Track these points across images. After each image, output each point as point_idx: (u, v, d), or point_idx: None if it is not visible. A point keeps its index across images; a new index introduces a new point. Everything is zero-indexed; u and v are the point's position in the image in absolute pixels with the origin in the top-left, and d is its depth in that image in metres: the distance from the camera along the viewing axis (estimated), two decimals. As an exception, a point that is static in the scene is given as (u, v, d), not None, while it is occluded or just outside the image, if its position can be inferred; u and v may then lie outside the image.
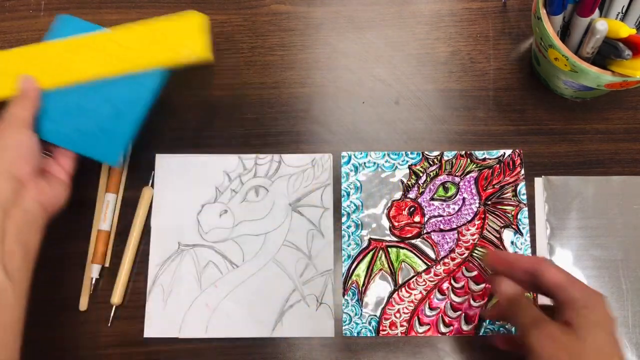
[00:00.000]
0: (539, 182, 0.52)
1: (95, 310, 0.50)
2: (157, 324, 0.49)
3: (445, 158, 0.52)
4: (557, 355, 0.34)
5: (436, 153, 0.53)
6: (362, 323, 0.49)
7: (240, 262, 0.50)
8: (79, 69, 0.47)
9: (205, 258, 0.50)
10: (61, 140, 0.47)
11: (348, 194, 0.52)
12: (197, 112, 0.54)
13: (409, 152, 0.53)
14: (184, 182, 0.52)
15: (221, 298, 0.49)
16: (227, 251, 0.50)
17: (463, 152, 0.53)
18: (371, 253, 0.50)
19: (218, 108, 0.54)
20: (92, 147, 0.47)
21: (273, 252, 0.50)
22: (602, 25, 0.42)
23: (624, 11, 0.46)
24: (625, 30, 0.41)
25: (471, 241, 0.50)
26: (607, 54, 0.44)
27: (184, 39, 0.46)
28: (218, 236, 0.51)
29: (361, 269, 0.50)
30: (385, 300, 0.49)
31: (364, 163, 0.52)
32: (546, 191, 0.51)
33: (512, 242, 0.50)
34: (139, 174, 0.53)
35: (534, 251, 0.50)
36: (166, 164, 0.53)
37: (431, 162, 0.52)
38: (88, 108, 0.47)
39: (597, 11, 0.46)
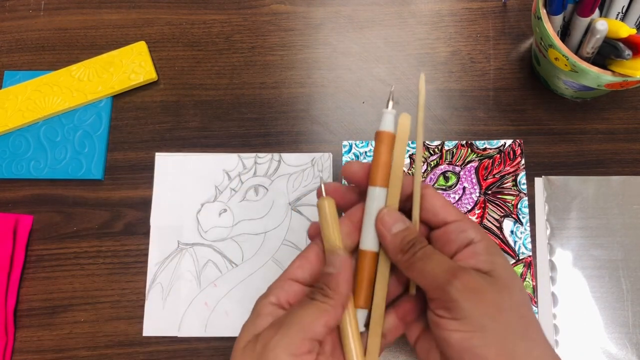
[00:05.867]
0: (539, 182, 0.52)
1: (94, 309, 0.50)
2: (156, 322, 0.49)
3: (446, 148, 0.52)
4: (488, 312, 0.28)
5: (437, 142, 0.53)
6: None
7: (239, 261, 0.50)
8: (47, 105, 0.54)
9: (205, 257, 0.50)
10: (46, 173, 0.52)
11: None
12: (197, 112, 0.54)
13: (409, 142, 0.53)
14: (183, 181, 0.52)
15: (220, 297, 0.49)
16: (226, 250, 0.50)
17: (464, 142, 0.53)
18: None
19: (218, 108, 0.54)
20: (75, 170, 0.52)
21: (272, 251, 0.50)
22: (602, 25, 0.42)
23: (624, 11, 0.46)
24: (625, 30, 0.41)
25: (471, 231, 0.50)
26: (607, 54, 0.44)
27: (133, 65, 0.55)
28: (217, 235, 0.51)
29: None
30: None
31: (365, 152, 0.52)
32: (546, 191, 0.51)
33: (512, 232, 0.50)
34: (139, 173, 0.53)
35: (534, 251, 0.50)
36: (166, 163, 0.53)
37: (432, 152, 0.52)
38: (61, 137, 0.53)
39: (597, 11, 0.46)
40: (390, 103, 0.33)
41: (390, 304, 0.34)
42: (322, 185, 0.34)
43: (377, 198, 0.32)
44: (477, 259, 0.30)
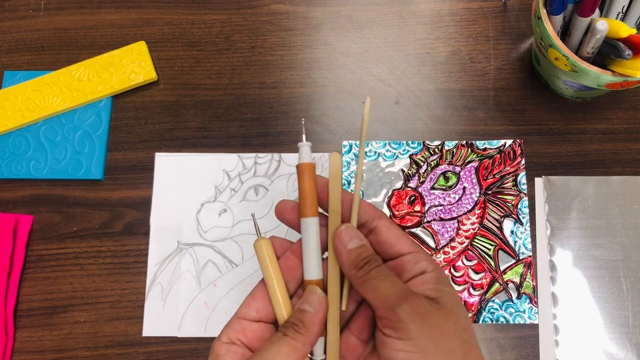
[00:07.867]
0: (539, 182, 0.52)
1: (94, 309, 0.50)
2: (156, 323, 0.49)
3: (446, 148, 0.52)
4: (432, 335, 0.29)
5: (437, 143, 0.53)
6: None
7: (239, 261, 0.50)
8: (46, 105, 0.54)
9: (205, 257, 0.50)
10: (46, 173, 0.52)
11: (349, 183, 0.52)
12: (197, 112, 0.54)
13: (410, 142, 0.53)
14: (183, 181, 0.52)
15: (220, 297, 0.49)
16: (226, 250, 0.50)
17: (464, 142, 0.53)
18: None
19: (218, 108, 0.54)
20: (75, 170, 0.52)
21: (272, 252, 0.50)
22: (603, 25, 0.42)
23: (624, 11, 0.46)
24: (626, 30, 0.41)
25: (471, 230, 0.50)
26: (607, 54, 0.44)
27: (133, 65, 0.55)
28: (217, 235, 0.51)
29: None
30: None
31: (365, 152, 0.52)
32: (546, 191, 0.51)
33: (512, 232, 0.50)
34: (139, 173, 0.53)
35: (534, 251, 0.50)
36: (165, 163, 0.53)
37: (432, 152, 0.52)
38: (61, 137, 0.53)
39: (597, 11, 0.46)
40: (304, 136, 0.34)
41: (345, 325, 0.35)
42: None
43: (310, 228, 0.33)
44: (426, 287, 0.31)
